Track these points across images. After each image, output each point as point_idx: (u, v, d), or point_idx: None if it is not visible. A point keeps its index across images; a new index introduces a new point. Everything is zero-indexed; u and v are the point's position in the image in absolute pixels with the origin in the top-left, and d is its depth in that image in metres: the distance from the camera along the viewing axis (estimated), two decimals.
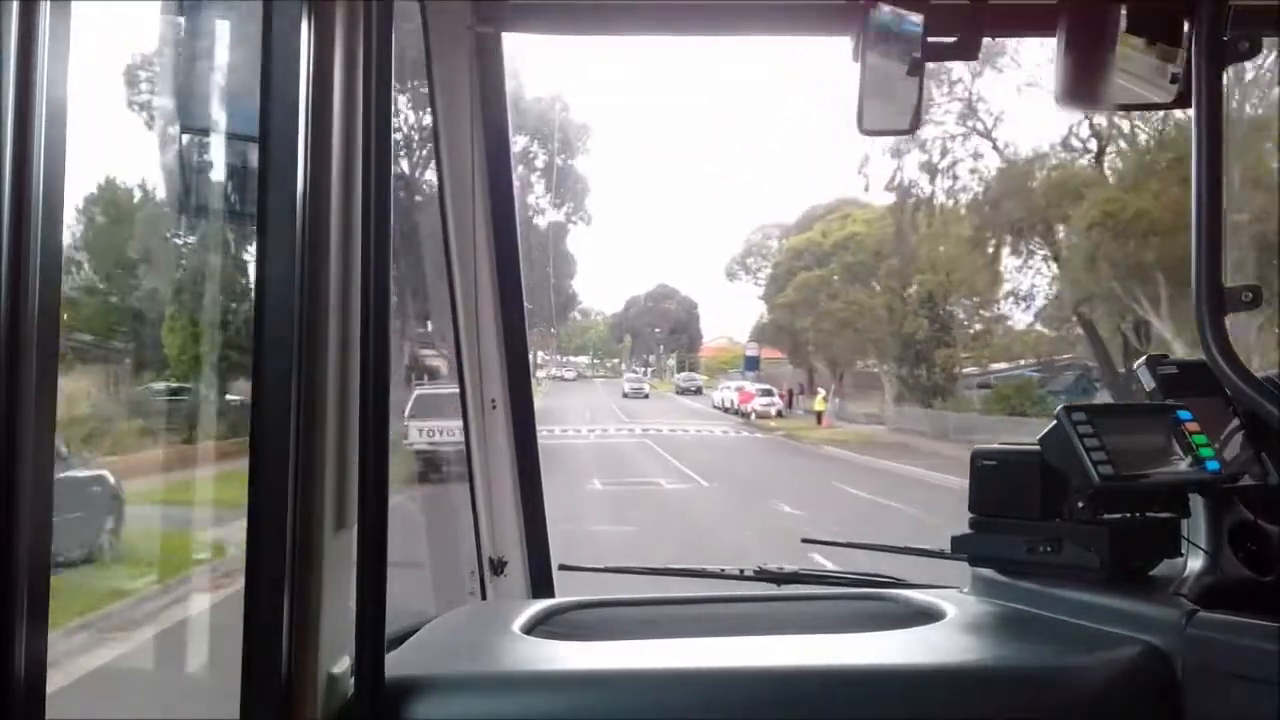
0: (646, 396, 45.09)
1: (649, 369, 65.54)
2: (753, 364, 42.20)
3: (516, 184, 2.28)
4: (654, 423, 32.10)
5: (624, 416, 35.08)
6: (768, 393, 35.97)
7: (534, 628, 1.58)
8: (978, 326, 30.35)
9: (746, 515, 14.00)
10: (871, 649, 1.48)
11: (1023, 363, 28.54)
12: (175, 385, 5.13)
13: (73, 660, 3.55)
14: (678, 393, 49.81)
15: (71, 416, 3.82)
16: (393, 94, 1.22)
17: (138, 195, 5.15)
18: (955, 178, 25.42)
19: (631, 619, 1.75)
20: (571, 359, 67.11)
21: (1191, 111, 1.60)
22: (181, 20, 1.28)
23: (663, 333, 66.86)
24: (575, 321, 67.40)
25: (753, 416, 34.07)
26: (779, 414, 34.35)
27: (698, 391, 48.76)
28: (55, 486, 0.82)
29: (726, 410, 37.61)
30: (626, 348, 69.75)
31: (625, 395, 44.77)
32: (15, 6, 0.76)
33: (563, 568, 2.30)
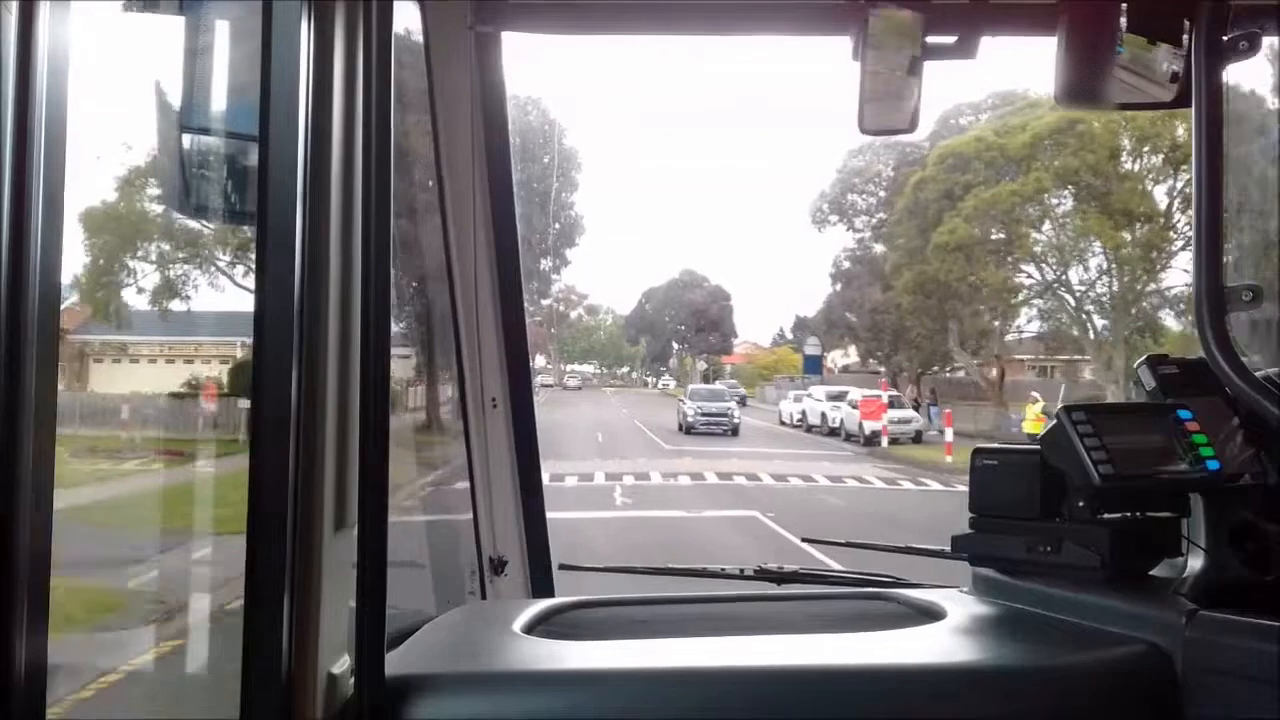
0: (735, 431, 27.76)
1: (666, 374, 55.66)
2: (814, 365, 34.87)
3: None
4: (726, 453, 20.32)
5: (662, 444, 24.10)
6: (898, 404, 24.97)
7: (534, 627, 1.58)
8: None
9: None
10: (871, 648, 1.48)
11: None
12: None
13: None
14: None
15: None
16: (392, 94, 1.22)
17: None
18: None
19: (631, 619, 1.75)
20: (576, 367, 59.05)
21: (1191, 111, 1.60)
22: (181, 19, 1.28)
23: (688, 330, 54.29)
24: (581, 322, 60.14)
25: (883, 441, 23.37)
26: (917, 437, 23.65)
27: (741, 403, 37.10)
28: None
29: (812, 429, 28.44)
30: (641, 352, 59.77)
31: (688, 426, 27.68)
32: (15, 6, 0.76)
33: (563, 567, 2.31)
